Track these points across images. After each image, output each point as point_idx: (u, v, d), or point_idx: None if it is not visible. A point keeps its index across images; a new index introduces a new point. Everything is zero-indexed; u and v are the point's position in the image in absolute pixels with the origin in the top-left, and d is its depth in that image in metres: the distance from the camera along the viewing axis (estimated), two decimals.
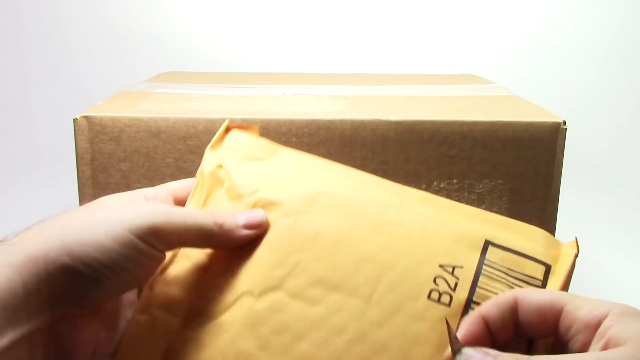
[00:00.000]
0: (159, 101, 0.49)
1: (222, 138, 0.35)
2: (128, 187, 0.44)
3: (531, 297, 0.27)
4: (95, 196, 0.44)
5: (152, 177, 0.44)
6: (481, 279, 0.29)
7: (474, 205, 0.46)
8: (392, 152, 0.45)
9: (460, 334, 0.27)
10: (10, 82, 0.96)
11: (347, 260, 0.30)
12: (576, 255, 0.30)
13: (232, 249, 0.31)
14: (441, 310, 0.28)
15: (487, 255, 0.30)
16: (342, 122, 0.44)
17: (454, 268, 0.29)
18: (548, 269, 0.30)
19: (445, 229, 0.31)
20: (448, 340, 0.26)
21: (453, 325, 0.27)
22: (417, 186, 0.45)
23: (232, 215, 0.31)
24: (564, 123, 0.45)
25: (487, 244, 0.30)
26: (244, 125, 0.37)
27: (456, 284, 0.29)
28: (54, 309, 0.26)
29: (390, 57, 0.96)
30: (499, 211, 0.46)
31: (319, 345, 0.28)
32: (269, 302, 0.29)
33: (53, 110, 0.91)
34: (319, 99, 0.52)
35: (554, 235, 0.47)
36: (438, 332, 0.28)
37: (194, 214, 0.31)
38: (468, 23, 0.95)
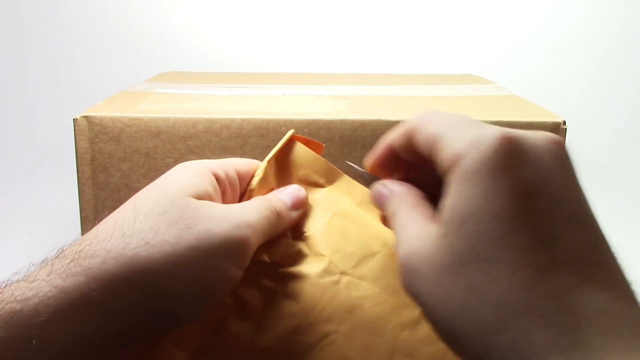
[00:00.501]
0: (159, 101, 0.49)
1: (285, 149, 0.32)
2: (128, 187, 0.44)
3: (422, 129, 0.24)
4: (95, 196, 0.44)
5: (152, 177, 0.44)
6: None
7: None
8: None
9: (369, 161, 0.27)
10: (10, 82, 0.96)
11: (383, 347, 0.27)
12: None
13: (257, 292, 0.28)
14: None
15: None
16: (342, 122, 0.44)
17: None
18: None
19: None
20: None
21: None
22: None
23: (277, 198, 0.29)
24: (564, 123, 0.45)
25: None
26: (309, 140, 0.33)
27: None
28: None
29: (390, 57, 0.96)
30: None
31: None
32: None
33: (53, 110, 0.91)
34: (319, 99, 0.52)
35: None
36: None
37: (260, 206, 0.28)
38: (468, 23, 0.95)
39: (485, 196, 0.20)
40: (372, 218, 0.30)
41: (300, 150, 0.32)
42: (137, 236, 0.24)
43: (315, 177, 0.31)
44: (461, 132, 0.22)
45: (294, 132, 0.32)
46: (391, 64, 0.95)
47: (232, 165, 0.30)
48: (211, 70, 0.85)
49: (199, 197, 0.26)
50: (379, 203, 0.27)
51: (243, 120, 0.43)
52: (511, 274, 0.19)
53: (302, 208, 0.30)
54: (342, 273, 0.28)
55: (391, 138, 0.26)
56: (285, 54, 0.96)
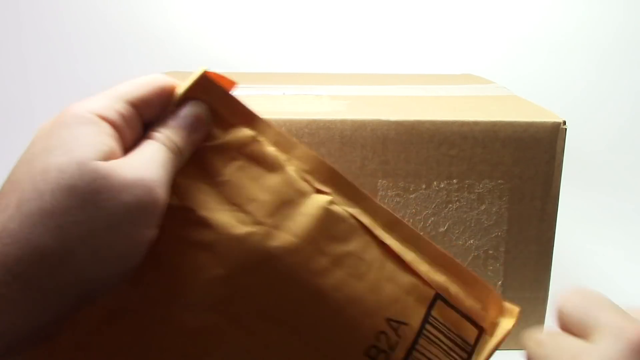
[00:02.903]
0: None
1: (196, 88, 0.29)
2: None
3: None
4: None
5: None
6: (421, 340, 0.28)
7: (474, 205, 0.46)
8: (392, 152, 0.45)
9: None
10: (10, 82, 0.96)
11: (297, 296, 0.27)
12: (514, 325, 0.29)
13: (170, 241, 0.26)
14: None
15: (433, 311, 0.29)
16: (342, 122, 0.44)
17: (399, 325, 0.28)
18: (480, 333, 0.29)
19: (401, 274, 0.29)
20: None
21: None
22: (418, 186, 0.45)
23: (172, 129, 0.26)
24: (564, 123, 0.45)
25: (436, 297, 0.29)
26: (222, 77, 0.30)
27: (397, 344, 0.28)
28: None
29: (390, 57, 0.95)
30: (499, 211, 0.46)
31: None
32: (204, 321, 0.27)
33: (53, 110, 0.90)
34: (319, 99, 0.52)
35: (553, 236, 0.47)
36: None
37: (158, 151, 0.25)
38: (468, 23, 0.95)
39: None
40: (288, 162, 0.29)
41: (212, 86, 0.29)
42: (46, 220, 0.22)
43: (227, 115, 0.29)
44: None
45: (206, 70, 0.29)
46: (391, 64, 0.95)
47: (121, 97, 0.26)
48: (211, 70, 0.85)
49: (106, 158, 0.23)
50: None
51: None
52: None
53: (203, 127, 0.27)
54: (257, 223, 0.27)
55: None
56: (285, 54, 0.96)
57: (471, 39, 0.95)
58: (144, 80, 0.27)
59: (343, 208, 0.29)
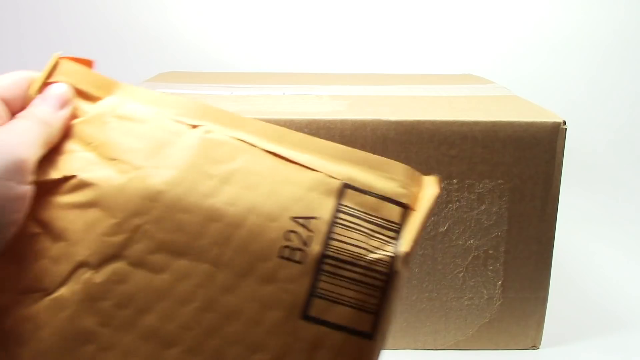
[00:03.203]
0: None
1: (57, 71, 0.30)
2: None
3: None
4: None
5: None
6: (336, 229, 0.28)
7: (474, 205, 0.46)
8: (392, 152, 0.45)
9: None
10: None
11: (193, 220, 0.28)
12: (437, 196, 0.29)
13: (59, 211, 0.28)
14: (293, 268, 0.27)
15: (344, 201, 0.29)
16: (342, 122, 0.44)
17: (308, 220, 0.28)
18: (406, 210, 0.29)
19: (299, 174, 0.29)
20: (301, 301, 0.27)
21: (305, 284, 0.27)
22: None
23: (39, 105, 0.29)
24: (564, 123, 0.45)
25: (344, 187, 0.29)
26: (79, 59, 0.32)
27: (310, 238, 0.27)
28: None
29: (390, 57, 0.96)
30: (499, 211, 0.46)
31: (166, 316, 0.27)
32: (109, 273, 0.27)
33: None
34: (319, 99, 0.52)
35: (553, 236, 0.47)
36: (290, 293, 0.27)
37: (24, 118, 0.28)
38: (468, 23, 0.95)
39: None
40: (160, 113, 0.31)
41: (70, 69, 0.31)
42: None
43: (91, 90, 0.31)
44: None
45: (60, 56, 0.30)
46: (391, 64, 0.95)
47: None
48: (211, 70, 0.85)
49: None
50: None
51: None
52: None
53: (70, 104, 0.29)
54: (137, 168, 0.28)
55: None
56: (285, 54, 0.96)
57: (471, 39, 0.95)
58: (8, 75, 0.30)
59: (223, 134, 0.30)
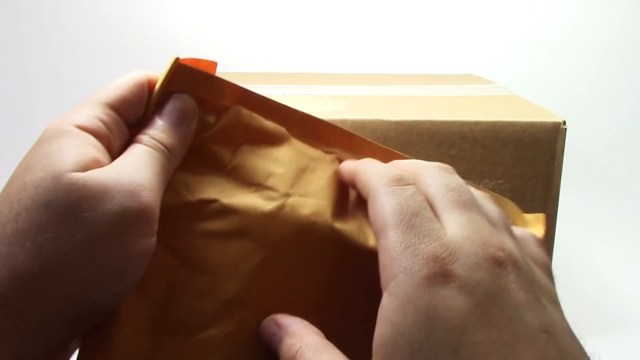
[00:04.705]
0: None
1: (173, 79, 0.26)
2: None
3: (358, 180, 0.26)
4: None
5: None
6: None
7: None
8: None
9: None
10: (11, 82, 0.96)
11: (344, 255, 0.27)
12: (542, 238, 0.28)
13: (198, 239, 0.25)
14: None
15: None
16: (342, 122, 0.44)
17: None
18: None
19: None
20: None
21: None
22: None
23: (157, 127, 0.25)
24: (564, 123, 0.45)
25: None
26: (199, 60, 0.27)
27: None
28: None
29: (390, 57, 0.95)
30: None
31: None
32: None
33: (53, 110, 0.90)
34: (319, 99, 0.52)
35: (553, 236, 0.47)
36: None
37: (144, 152, 0.24)
38: (468, 23, 0.95)
39: (418, 327, 0.19)
40: (290, 131, 0.28)
41: (190, 73, 0.26)
42: (23, 240, 0.20)
43: (214, 99, 0.27)
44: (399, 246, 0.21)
45: (178, 58, 0.26)
46: (391, 64, 0.95)
47: (100, 102, 0.24)
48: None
49: (85, 168, 0.22)
50: (270, 342, 0.24)
51: None
52: None
53: (190, 120, 0.25)
54: (285, 195, 0.26)
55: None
56: (285, 54, 0.96)
57: (471, 39, 0.95)
58: (122, 80, 0.26)
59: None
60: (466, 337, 0.19)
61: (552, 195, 0.46)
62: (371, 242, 0.27)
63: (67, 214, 0.20)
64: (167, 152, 0.24)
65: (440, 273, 0.20)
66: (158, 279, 0.24)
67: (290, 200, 0.26)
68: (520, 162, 0.45)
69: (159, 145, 0.24)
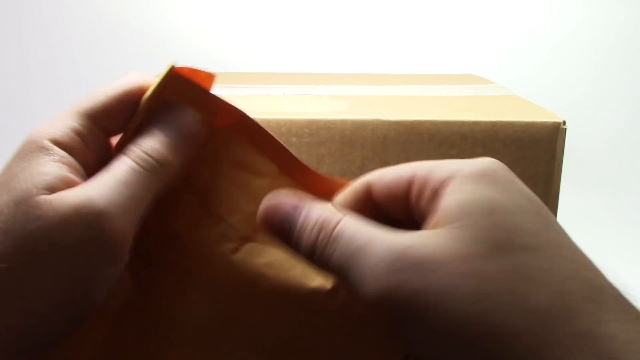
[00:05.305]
0: None
1: (167, 87, 0.24)
2: None
3: (382, 177, 0.23)
4: None
5: None
6: None
7: None
8: (392, 152, 0.45)
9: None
10: (11, 82, 0.96)
11: (296, 316, 0.25)
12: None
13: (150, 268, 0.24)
14: None
15: None
16: (342, 122, 0.44)
17: None
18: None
19: None
20: None
21: None
22: None
23: (150, 141, 0.22)
24: (564, 123, 0.45)
25: None
26: (196, 70, 0.26)
27: None
28: None
29: (390, 57, 0.95)
30: None
31: None
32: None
33: (53, 110, 0.90)
34: (319, 99, 0.52)
35: None
36: None
37: (121, 172, 0.22)
38: (468, 23, 0.95)
39: (509, 193, 0.20)
40: (275, 168, 0.26)
41: (186, 86, 0.24)
42: None
43: (209, 119, 0.25)
44: (433, 162, 0.23)
45: (174, 66, 0.24)
46: (391, 64, 0.95)
47: (78, 112, 0.23)
48: (211, 70, 0.85)
49: (53, 189, 0.21)
50: (284, 230, 0.22)
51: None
52: (572, 260, 0.21)
53: (200, 133, 0.23)
54: (243, 238, 0.24)
55: (342, 200, 0.24)
56: (285, 54, 0.96)
57: (471, 39, 0.95)
58: (108, 88, 0.24)
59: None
60: (544, 208, 0.22)
61: (552, 195, 0.46)
62: (344, 305, 0.24)
63: (23, 246, 0.19)
64: (159, 168, 0.22)
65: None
66: (114, 306, 0.23)
67: (247, 246, 0.24)
68: (520, 162, 0.45)
69: (149, 159, 0.22)
